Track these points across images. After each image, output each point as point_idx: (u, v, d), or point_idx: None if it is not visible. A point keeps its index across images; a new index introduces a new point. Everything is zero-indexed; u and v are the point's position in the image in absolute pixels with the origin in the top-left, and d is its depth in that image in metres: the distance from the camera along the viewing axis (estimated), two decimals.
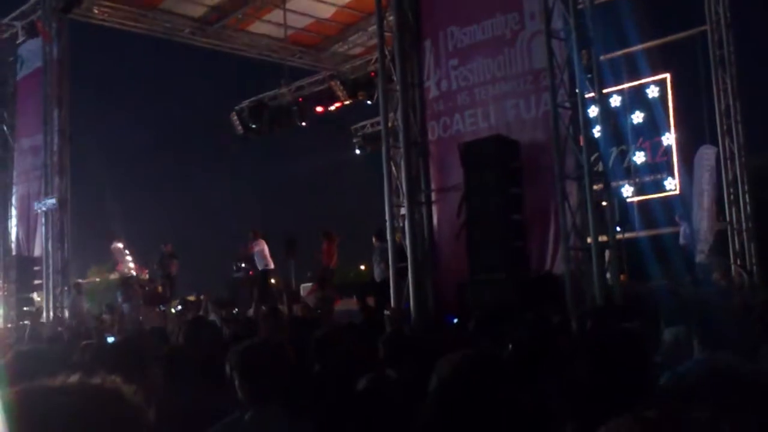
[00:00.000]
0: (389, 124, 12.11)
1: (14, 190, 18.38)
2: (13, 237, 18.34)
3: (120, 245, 20.35)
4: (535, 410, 2.95)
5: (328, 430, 2.90)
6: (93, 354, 3.62)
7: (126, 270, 20.35)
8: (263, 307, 10.56)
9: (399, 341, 4.18)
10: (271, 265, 17.00)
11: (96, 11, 17.14)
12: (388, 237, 11.91)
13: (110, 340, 9.95)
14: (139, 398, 1.30)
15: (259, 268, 16.76)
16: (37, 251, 17.27)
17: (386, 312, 10.03)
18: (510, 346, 4.16)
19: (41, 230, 16.97)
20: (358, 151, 22.95)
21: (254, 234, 17.03)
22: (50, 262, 16.42)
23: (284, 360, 3.10)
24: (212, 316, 9.91)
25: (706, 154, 16.11)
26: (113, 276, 23.69)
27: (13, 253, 18.16)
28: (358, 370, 3.71)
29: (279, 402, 2.94)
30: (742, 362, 3.21)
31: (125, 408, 1.27)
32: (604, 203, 10.84)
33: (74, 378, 1.29)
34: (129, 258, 20.40)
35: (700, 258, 15.30)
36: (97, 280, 19.84)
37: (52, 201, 16.30)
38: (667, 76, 17.82)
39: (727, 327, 3.72)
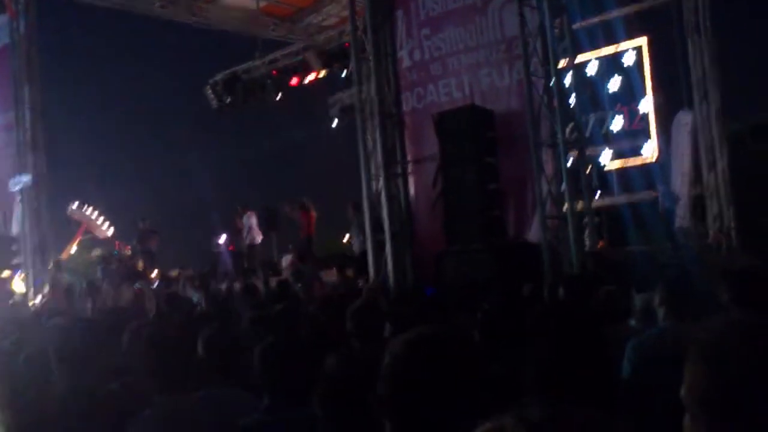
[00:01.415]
0: (363, 96, 12.04)
1: None
2: None
3: (74, 206, 19.86)
4: (497, 385, 2.96)
5: (290, 409, 2.89)
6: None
7: (92, 226, 19.95)
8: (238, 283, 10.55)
9: (367, 314, 4.17)
10: (259, 240, 16.96)
11: None
12: (365, 208, 11.89)
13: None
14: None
15: (247, 242, 16.73)
16: (15, 230, 17.10)
17: (360, 284, 10.02)
18: (479, 316, 4.15)
19: (18, 209, 16.78)
20: (335, 123, 22.79)
21: (242, 209, 16.97)
22: (28, 240, 16.27)
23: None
24: (189, 292, 9.89)
25: (684, 119, 16.13)
26: (95, 252, 23.53)
27: None
28: (325, 346, 3.70)
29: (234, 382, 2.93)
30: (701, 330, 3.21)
31: None
32: (580, 170, 10.87)
33: None
34: (90, 211, 19.84)
35: (679, 223, 15.38)
36: (72, 251, 19.55)
37: (26, 178, 16.11)
38: (644, 41, 17.75)
39: (698, 295, 3.73)
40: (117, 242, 21.15)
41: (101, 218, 20.12)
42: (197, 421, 2.82)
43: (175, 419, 2.79)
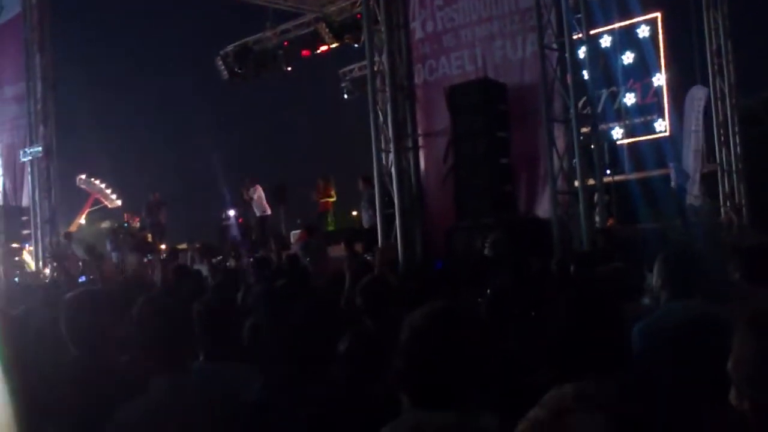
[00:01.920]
0: (375, 68, 11.92)
1: None
2: (0, 187, 18.17)
3: (83, 176, 19.81)
4: (510, 359, 2.93)
5: (302, 386, 2.87)
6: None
7: (101, 197, 20.04)
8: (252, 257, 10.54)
9: (377, 289, 4.13)
10: (269, 212, 16.95)
11: None
12: (375, 183, 11.83)
13: (82, 279, 9.96)
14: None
15: (257, 214, 16.74)
16: (25, 201, 17.14)
17: (368, 257, 9.98)
18: (489, 292, 4.11)
19: (28, 180, 16.81)
20: (346, 96, 22.69)
21: (250, 180, 16.94)
22: (38, 211, 16.32)
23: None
24: (198, 265, 9.88)
25: (697, 95, 15.98)
26: (104, 224, 23.60)
27: (0, 203, 18.00)
28: (336, 323, 3.67)
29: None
30: (714, 309, 3.16)
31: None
32: (592, 146, 10.76)
33: None
34: (99, 183, 19.79)
35: (690, 200, 15.29)
36: (81, 222, 19.59)
37: (37, 149, 16.11)
38: (658, 15, 17.55)
39: (705, 273, 3.64)
40: (126, 214, 21.23)
41: (109, 189, 20.19)
42: (195, 404, 2.79)
43: (171, 405, 2.76)
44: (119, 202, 19.82)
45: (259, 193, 16.71)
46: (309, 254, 10.42)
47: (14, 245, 16.80)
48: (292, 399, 2.80)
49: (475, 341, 1.64)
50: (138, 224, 19.77)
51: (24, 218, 16.85)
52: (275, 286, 5.26)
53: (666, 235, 10.87)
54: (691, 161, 15.74)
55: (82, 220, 20.08)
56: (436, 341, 1.61)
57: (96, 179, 20.94)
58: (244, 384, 3.00)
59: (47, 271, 15.40)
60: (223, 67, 20.50)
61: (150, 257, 15.13)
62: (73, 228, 18.80)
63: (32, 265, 16.29)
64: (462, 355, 1.59)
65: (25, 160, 16.55)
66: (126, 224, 19.94)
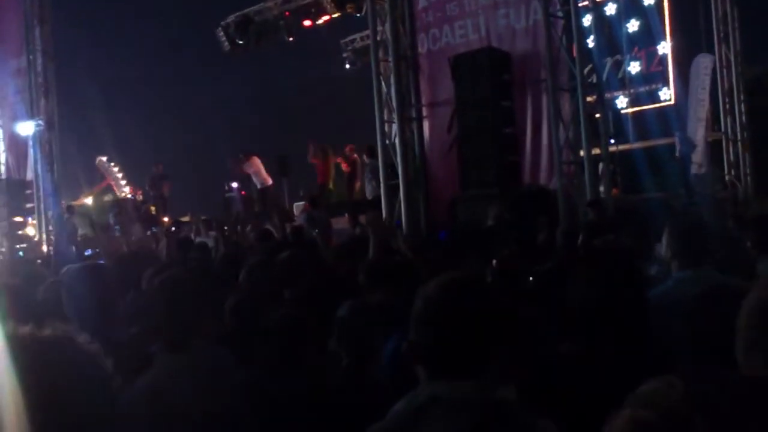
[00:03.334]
0: (378, 38, 11.81)
1: (1, 114, 18.06)
2: (3, 161, 18.14)
3: (104, 158, 19.97)
4: (526, 329, 2.92)
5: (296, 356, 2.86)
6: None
7: (115, 185, 20.17)
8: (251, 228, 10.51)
9: (380, 266, 4.10)
10: (269, 182, 16.88)
11: None
12: (379, 153, 11.78)
13: (88, 253, 9.97)
14: (95, 347, 1.27)
15: (258, 186, 16.68)
16: (29, 175, 17.12)
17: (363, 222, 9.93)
18: (494, 263, 4.08)
19: (31, 153, 16.77)
20: (348, 66, 22.54)
21: (245, 155, 16.84)
22: (41, 185, 16.31)
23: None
24: (202, 237, 9.86)
25: (704, 63, 15.83)
26: (107, 197, 23.62)
27: (3, 177, 17.98)
28: (339, 294, 3.65)
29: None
30: (726, 279, 3.14)
31: (78, 357, 1.24)
32: (597, 115, 10.69)
33: (25, 329, 1.27)
34: (116, 170, 19.98)
35: (695, 169, 15.22)
36: (88, 201, 19.66)
37: (39, 123, 16.06)
38: None
39: (713, 242, 3.61)
40: (129, 187, 21.23)
41: (123, 179, 20.26)
42: (198, 381, 2.77)
43: (175, 382, 2.74)
44: (126, 191, 19.91)
45: (256, 166, 16.59)
46: (314, 226, 10.39)
47: (18, 219, 16.81)
48: (287, 379, 2.79)
49: (491, 310, 1.62)
50: (141, 197, 19.78)
51: (27, 192, 16.84)
52: (278, 258, 5.24)
53: (670, 204, 10.84)
54: (696, 130, 15.63)
55: (89, 200, 20.11)
56: (451, 310, 1.59)
57: (115, 166, 20.97)
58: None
59: (50, 247, 15.42)
60: (224, 37, 20.35)
61: (154, 230, 15.14)
62: (78, 202, 18.80)
63: (32, 237, 16.32)
64: (478, 324, 1.58)
65: (27, 134, 16.50)
66: (129, 197, 19.92)
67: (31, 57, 16.22)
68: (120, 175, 20.43)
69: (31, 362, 1.19)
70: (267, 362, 2.87)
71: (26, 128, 16.25)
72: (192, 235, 10.50)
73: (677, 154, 15.27)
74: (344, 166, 16.58)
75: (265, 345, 2.91)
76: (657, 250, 5.26)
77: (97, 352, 1.32)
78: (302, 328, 2.93)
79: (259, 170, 16.49)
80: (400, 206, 11.42)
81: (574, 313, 2.33)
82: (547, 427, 1.59)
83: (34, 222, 16.66)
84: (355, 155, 16.14)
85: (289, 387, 2.74)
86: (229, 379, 2.82)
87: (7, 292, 3.65)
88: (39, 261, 10.09)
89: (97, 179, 19.46)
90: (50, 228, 16.07)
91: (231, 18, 20.21)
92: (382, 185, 11.71)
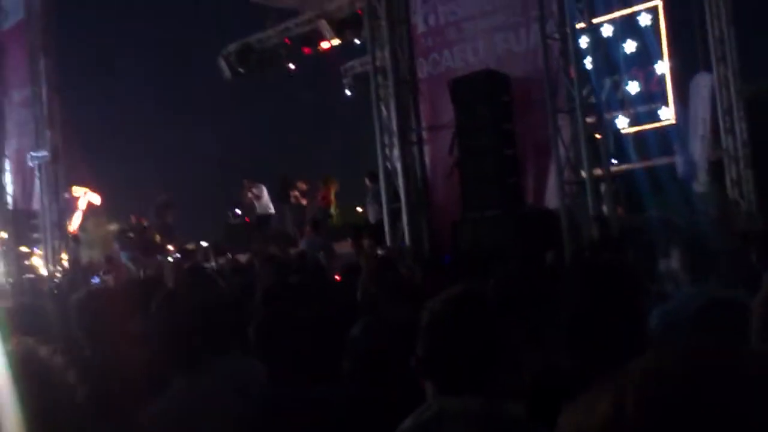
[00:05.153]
0: (377, 63, 11.94)
1: (8, 145, 18.21)
2: (10, 192, 18.25)
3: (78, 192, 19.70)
4: (527, 345, 2.95)
5: (318, 376, 2.89)
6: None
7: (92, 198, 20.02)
8: (257, 254, 10.56)
9: (389, 282, 4.15)
10: (272, 210, 17.00)
11: None
12: (381, 178, 11.85)
13: (94, 280, 10.01)
14: (59, 359, 1.35)
15: (258, 212, 16.80)
16: (36, 205, 17.22)
17: (380, 252, 10.03)
18: (492, 281, 4.13)
19: (37, 184, 16.90)
20: (348, 92, 22.68)
21: (248, 184, 16.98)
22: (46, 215, 16.41)
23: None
24: (208, 264, 9.92)
25: (703, 81, 15.92)
26: (112, 226, 23.62)
27: (10, 207, 18.08)
28: (353, 315, 3.69)
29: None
30: (731, 293, 3.19)
31: (41, 369, 1.31)
32: (597, 136, 10.76)
33: None
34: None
35: (697, 188, 15.24)
36: (90, 230, 19.66)
37: (44, 153, 16.20)
38: (659, 2, 17.48)
39: (719, 258, 3.68)
40: (134, 215, 21.19)
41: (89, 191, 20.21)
42: (215, 404, 2.81)
43: (193, 404, 2.78)
44: (97, 199, 19.91)
45: (261, 195, 16.79)
46: (317, 250, 10.45)
47: (24, 249, 16.89)
48: (299, 396, 2.82)
49: (497, 324, 1.65)
50: (146, 224, 19.80)
51: (33, 221, 16.94)
52: (289, 283, 5.29)
53: (674, 223, 10.86)
54: (697, 148, 15.68)
55: (77, 221, 20.00)
56: (458, 325, 1.62)
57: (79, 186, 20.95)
58: (252, 376, 3.03)
59: (58, 275, 15.46)
60: (225, 66, 20.52)
61: (159, 257, 15.20)
62: (74, 230, 18.84)
63: (40, 269, 16.37)
64: (485, 338, 1.61)
65: (32, 164, 16.63)
66: (134, 223, 19.83)
67: (36, 88, 16.39)
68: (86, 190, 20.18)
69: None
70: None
71: (32, 159, 16.39)
72: (202, 261, 10.55)
73: (679, 172, 15.33)
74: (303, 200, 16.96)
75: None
76: (661, 267, 5.32)
77: (59, 364, 1.39)
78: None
79: (263, 199, 16.64)
80: (403, 230, 11.48)
81: (569, 327, 2.36)
82: None
83: (40, 252, 16.74)
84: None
85: (308, 401, 2.77)
86: (248, 399, 2.85)
87: (12, 312, 3.70)
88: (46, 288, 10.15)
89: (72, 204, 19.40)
90: (56, 257, 16.13)
91: (232, 47, 20.39)
92: (384, 209, 11.76)
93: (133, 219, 18.15)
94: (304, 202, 17.25)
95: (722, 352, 0.78)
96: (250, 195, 16.83)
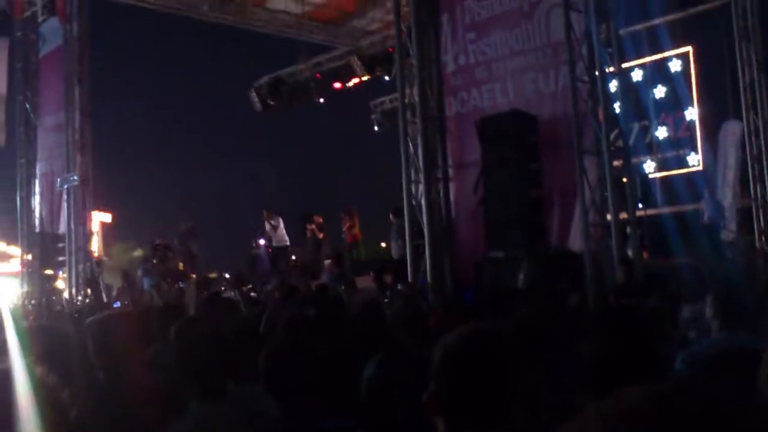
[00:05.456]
0: (406, 100, 12.02)
1: (38, 168, 18.50)
2: (37, 214, 18.48)
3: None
4: (544, 384, 2.91)
5: (331, 411, 2.87)
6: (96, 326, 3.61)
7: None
8: (277, 286, 10.59)
9: (408, 319, 4.13)
10: (287, 242, 17.10)
11: None
12: (405, 214, 11.86)
13: (116, 305, 10.06)
14: (53, 378, 1.38)
15: (273, 244, 16.92)
16: (62, 228, 17.40)
17: (399, 287, 9.99)
18: (513, 321, 4.10)
19: (65, 207, 17.09)
20: (376, 128, 22.87)
21: (268, 213, 17.11)
22: (73, 238, 16.56)
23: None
24: (228, 293, 9.94)
25: (732, 129, 15.84)
26: (136, 253, 23.87)
27: (37, 230, 18.29)
28: (368, 350, 3.67)
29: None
30: (759, 341, 3.14)
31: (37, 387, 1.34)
32: (624, 179, 10.71)
33: None
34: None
35: (725, 236, 15.07)
36: (114, 256, 19.86)
37: (73, 178, 16.40)
38: (690, 49, 17.48)
39: (748, 307, 3.65)
40: (159, 238, 21.32)
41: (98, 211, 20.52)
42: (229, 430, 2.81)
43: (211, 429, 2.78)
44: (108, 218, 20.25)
45: (278, 225, 16.93)
46: (338, 284, 10.44)
47: (48, 272, 17.04)
48: (309, 427, 2.80)
49: (513, 363, 1.63)
50: (169, 249, 19.94)
51: (60, 245, 17.10)
52: (305, 315, 5.28)
53: (701, 269, 10.72)
54: (725, 196, 15.54)
55: (97, 247, 20.22)
56: (471, 361, 1.60)
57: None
58: (266, 406, 3.02)
59: (80, 297, 15.58)
60: (256, 98, 20.81)
61: (181, 285, 15.26)
62: (98, 255, 19.05)
63: (64, 293, 16.50)
64: (498, 376, 1.58)
65: (61, 188, 16.85)
66: (158, 249, 19.92)
67: (69, 114, 16.66)
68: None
69: None
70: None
71: (62, 183, 16.61)
72: (221, 291, 10.58)
73: (705, 219, 15.18)
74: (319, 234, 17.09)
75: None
76: (685, 313, 5.25)
77: (54, 383, 1.41)
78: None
79: (280, 230, 16.75)
80: (425, 266, 11.44)
81: (589, 369, 2.33)
82: None
83: (65, 276, 16.87)
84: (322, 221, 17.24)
85: None
86: (259, 428, 2.84)
87: (30, 333, 3.72)
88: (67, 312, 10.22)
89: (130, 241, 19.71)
90: (80, 281, 16.25)
91: (264, 79, 20.70)
92: (407, 245, 11.75)
93: (158, 241, 18.27)
94: (320, 236, 17.35)
95: (689, 397, 0.77)
96: (268, 226, 16.97)
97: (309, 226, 17.31)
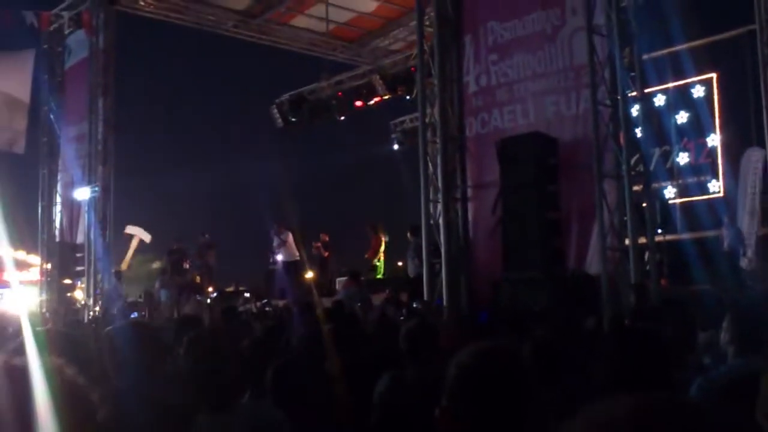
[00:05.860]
0: (427, 119, 12.07)
1: (59, 178, 18.67)
2: (57, 224, 18.63)
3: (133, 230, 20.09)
4: (556, 406, 2.90)
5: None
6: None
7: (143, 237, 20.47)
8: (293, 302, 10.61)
9: (421, 335, 4.12)
10: (297, 256, 17.14)
11: (142, 3, 17.38)
12: (423, 233, 11.86)
13: (134, 315, 10.10)
14: (81, 378, 1.39)
15: (284, 259, 16.97)
16: (80, 238, 17.52)
17: (415, 305, 9.98)
18: (529, 343, 4.09)
19: (84, 217, 17.20)
20: (396, 146, 22.93)
21: (279, 226, 17.20)
22: (92, 249, 16.66)
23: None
24: (244, 308, 9.97)
25: (755, 156, 15.74)
26: (155, 265, 23.96)
27: (57, 239, 18.43)
28: (380, 368, 3.67)
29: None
30: None
31: (68, 385, 1.35)
32: (644, 204, 10.65)
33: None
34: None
35: (745, 263, 14.93)
36: (129, 268, 19.95)
37: (95, 189, 16.53)
38: (714, 75, 17.42)
39: (765, 333, 3.63)
40: (175, 241, 21.38)
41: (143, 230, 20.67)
42: None
43: None
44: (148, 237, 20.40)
45: (288, 240, 16.99)
46: (355, 301, 10.44)
47: (67, 281, 17.16)
48: None
49: (526, 383, 1.63)
50: (188, 265, 20.04)
51: (78, 255, 17.22)
52: (319, 331, 5.28)
53: (721, 296, 10.61)
54: (746, 223, 15.41)
55: (129, 260, 20.41)
56: (485, 378, 1.61)
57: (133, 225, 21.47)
58: (277, 420, 3.02)
59: (98, 307, 15.66)
60: (277, 115, 20.96)
61: (198, 298, 15.33)
62: (123, 266, 19.15)
63: (81, 302, 16.59)
64: (509, 394, 1.59)
65: (82, 198, 16.97)
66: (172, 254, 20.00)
67: (92, 125, 16.81)
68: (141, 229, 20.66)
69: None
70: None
71: (83, 193, 16.74)
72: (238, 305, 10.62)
73: (726, 246, 15.05)
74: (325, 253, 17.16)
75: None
76: (701, 339, 5.20)
77: (84, 382, 1.43)
78: None
79: (289, 244, 16.81)
80: (441, 286, 11.41)
81: (603, 392, 2.32)
82: None
83: (83, 286, 16.96)
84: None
85: None
86: None
87: (48, 336, 3.75)
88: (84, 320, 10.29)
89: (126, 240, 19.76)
90: (98, 291, 16.33)
91: (285, 96, 20.85)
92: (424, 264, 11.74)
93: (174, 246, 18.33)
94: (326, 254, 17.45)
95: (669, 409, 0.79)
96: (277, 240, 17.05)
97: (315, 244, 17.41)
